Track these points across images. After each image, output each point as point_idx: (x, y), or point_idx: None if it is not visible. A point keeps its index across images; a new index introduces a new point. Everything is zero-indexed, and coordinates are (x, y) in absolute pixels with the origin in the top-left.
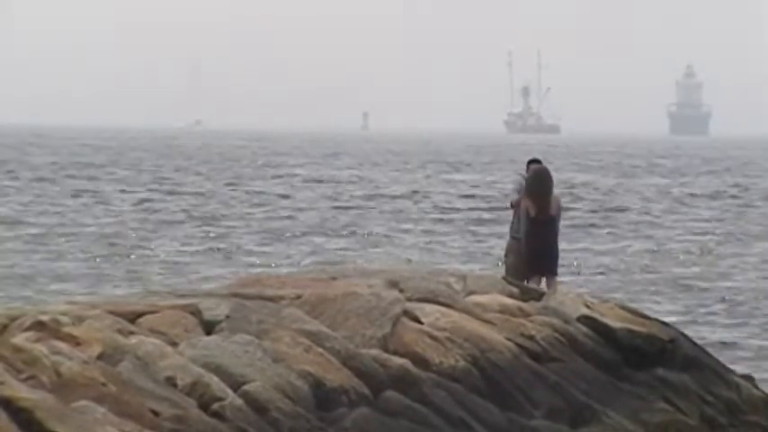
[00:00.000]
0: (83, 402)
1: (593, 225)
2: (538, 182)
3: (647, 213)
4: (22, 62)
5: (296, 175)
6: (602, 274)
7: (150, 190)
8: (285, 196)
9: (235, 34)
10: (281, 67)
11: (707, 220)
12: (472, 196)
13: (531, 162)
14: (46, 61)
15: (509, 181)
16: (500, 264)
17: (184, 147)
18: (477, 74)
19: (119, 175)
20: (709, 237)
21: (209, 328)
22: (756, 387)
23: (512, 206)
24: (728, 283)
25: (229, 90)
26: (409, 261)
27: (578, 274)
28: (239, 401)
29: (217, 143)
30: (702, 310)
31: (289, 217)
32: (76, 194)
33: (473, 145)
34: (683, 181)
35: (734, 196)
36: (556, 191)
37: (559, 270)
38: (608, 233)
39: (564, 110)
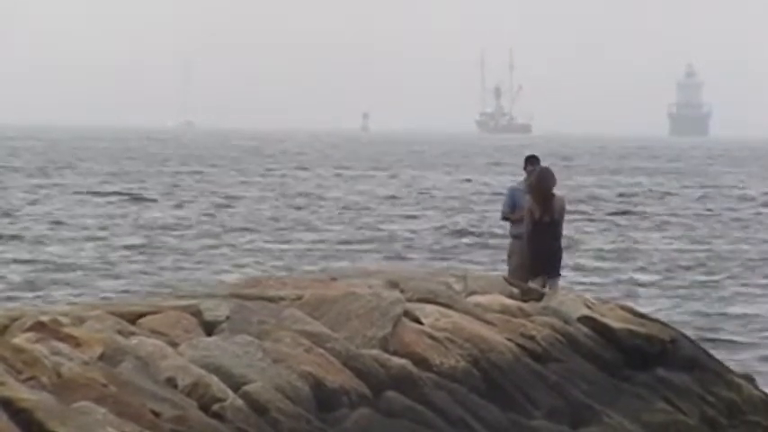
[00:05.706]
0: (83, 403)
1: (594, 224)
2: (541, 183)
3: (645, 213)
4: (18, 61)
5: (296, 176)
6: (602, 274)
7: (144, 189)
8: (282, 195)
9: (230, 33)
10: (277, 67)
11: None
12: (470, 196)
13: (528, 158)
14: (36, 59)
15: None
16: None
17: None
18: (449, 73)
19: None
20: (707, 239)
21: (209, 328)
22: (756, 387)
23: (504, 218)
24: (728, 283)
25: (224, 90)
26: (409, 261)
27: (579, 274)
28: (240, 402)
29: (208, 145)
30: (702, 311)
31: (288, 216)
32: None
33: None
34: (683, 182)
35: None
36: (560, 192)
37: (561, 271)
38: (610, 232)
39: (538, 110)
